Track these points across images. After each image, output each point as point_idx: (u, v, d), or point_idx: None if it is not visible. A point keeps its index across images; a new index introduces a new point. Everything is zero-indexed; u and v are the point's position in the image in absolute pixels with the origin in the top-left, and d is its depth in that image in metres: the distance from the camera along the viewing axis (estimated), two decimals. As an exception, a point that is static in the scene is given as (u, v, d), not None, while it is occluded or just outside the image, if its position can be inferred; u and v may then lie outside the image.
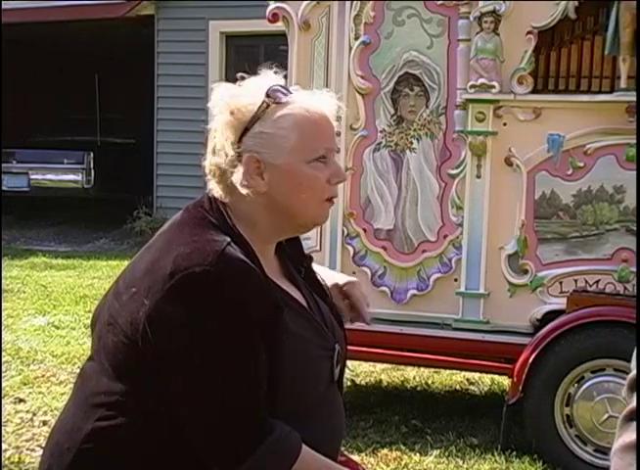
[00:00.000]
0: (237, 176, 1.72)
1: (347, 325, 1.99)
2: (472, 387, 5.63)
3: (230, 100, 1.73)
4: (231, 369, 1.61)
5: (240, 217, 1.75)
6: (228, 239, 1.67)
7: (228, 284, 1.61)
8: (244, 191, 1.72)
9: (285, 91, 1.74)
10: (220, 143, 1.73)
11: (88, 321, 6.98)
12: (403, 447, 4.42)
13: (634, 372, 1.12)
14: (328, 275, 2.09)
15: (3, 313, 6.87)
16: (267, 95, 1.71)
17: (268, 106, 1.71)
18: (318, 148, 1.73)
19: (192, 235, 1.69)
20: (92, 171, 12.85)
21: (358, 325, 2.03)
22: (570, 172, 4.37)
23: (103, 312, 1.79)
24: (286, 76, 1.81)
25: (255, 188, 1.72)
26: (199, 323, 1.59)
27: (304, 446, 1.66)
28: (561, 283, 4.42)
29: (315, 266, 2.06)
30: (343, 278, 2.10)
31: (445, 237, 4.57)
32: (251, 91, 1.73)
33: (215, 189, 1.76)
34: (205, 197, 1.79)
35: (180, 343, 1.60)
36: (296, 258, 1.94)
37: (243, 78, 1.78)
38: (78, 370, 1.89)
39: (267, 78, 1.76)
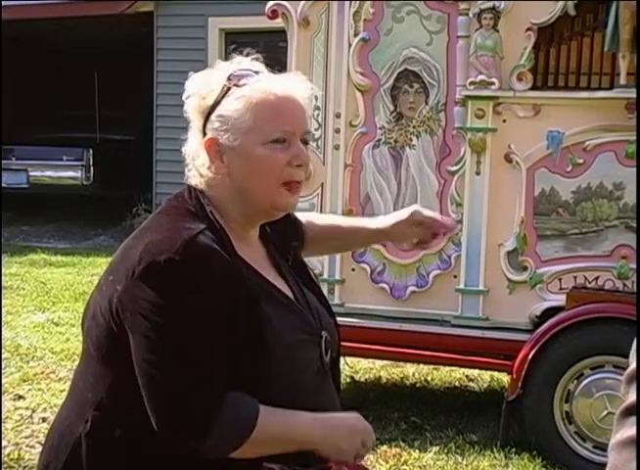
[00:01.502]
0: (200, 160, 1.76)
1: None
2: (471, 383, 5.64)
3: (196, 85, 1.77)
4: (182, 346, 1.62)
5: (214, 204, 1.77)
6: (202, 226, 1.69)
7: (190, 268, 1.62)
8: (208, 174, 1.75)
9: (247, 74, 1.75)
10: (192, 129, 1.79)
11: (87, 318, 7.02)
12: (402, 444, 4.42)
13: (632, 367, 1.12)
14: (383, 219, 2.18)
15: (2, 310, 6.87)
16: (228, 78, 1.74)
17: (229, 89, 1.74)
18: (275, 130, 1.72)
19: (167, 223, 1.73)
20: (91, 168, 12.84)
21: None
22: (569, 169, 4.37)
23: (89, 308, 1.81)
24: (269, 65, 1.83)
25: (217, 172, 1.75)
26: (160, 307, 1.61)
27: (262, 406, 1.66)
28: (560, 280, 4.43)
29: (337, 218, 2.17)
30: (403, 212, 2.18)
31: (445, 234, 4.57)
32: (216, 76, 1.77)
33: (191, 176, 1.80)
34: (186, 187, 1.82)
35: (142, 324, 1.63)
36: (283, 247, 1.95)
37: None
38: (77, 367, 1.90)
39: (239, 64, 1.78)
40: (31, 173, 12.84)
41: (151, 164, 12.26)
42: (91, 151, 12.82)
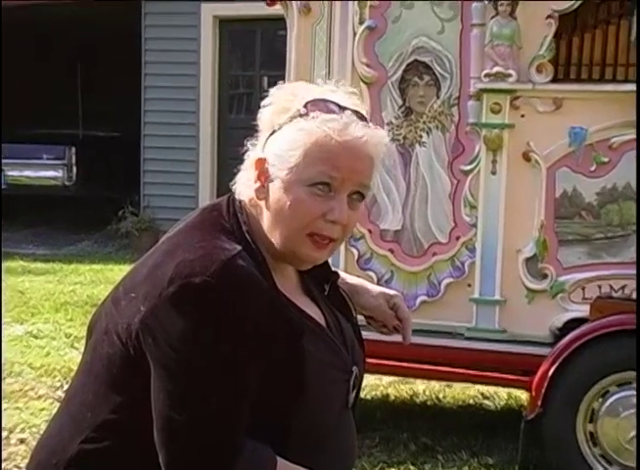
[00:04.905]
0: (247, 174, 1.76)
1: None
2: (486, 401, 5.64)
3: (279, 97, 1.76)
4: (210, 388, 1.60)
5: (252, 224, 1.75)
6: (239, 248, 1.67)
7: (229, 298, 1.60)
8: (248, 191, 1.74)
9: (326, 107, 1.72)
10: (259, 138, 1.77)
11: (70, 330, 7.01)
12: (412, 468, 4.43)
13: None
14: (371, 286, 2.17)
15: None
16: (305, 105, 1.72)
17: (300, 115, 1.71)
18: (321, 174, 1.69)
19: (200, 241, 1.69)
20: (74, 167, 12.86)
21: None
22: (593, 168, 4.38)
23: (100, 320, 1.79)
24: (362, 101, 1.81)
25: (257, 194, 1.74)
26: (190, 337, 1.59)
27: (280, 459, 1.66)
28: (583, 289, 4.43)
29: (350, 277, 2.13)
30: (390, 290, 2.18)
31: (458, 239, 4.58)
32: (302, 96, 1.75)
33: (241, 183, 1.79)
34: (225, 198, 1.80)
35: (167, 354, 1.61)
36: (319, 276, 1.92)
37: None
38: (59, 383, 1.90)
39: (331, 93, 1.76)
40: (8, 173, 12.86)
41: (138, 163, 12.27)
42: (73, 149, 12.84)
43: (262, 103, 1.78)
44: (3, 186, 12.83)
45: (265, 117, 1.76)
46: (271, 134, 1.74)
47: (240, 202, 1.78)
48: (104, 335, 1.74)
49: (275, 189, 1.71)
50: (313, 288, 1.89)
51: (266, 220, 1.74)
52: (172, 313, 1.60)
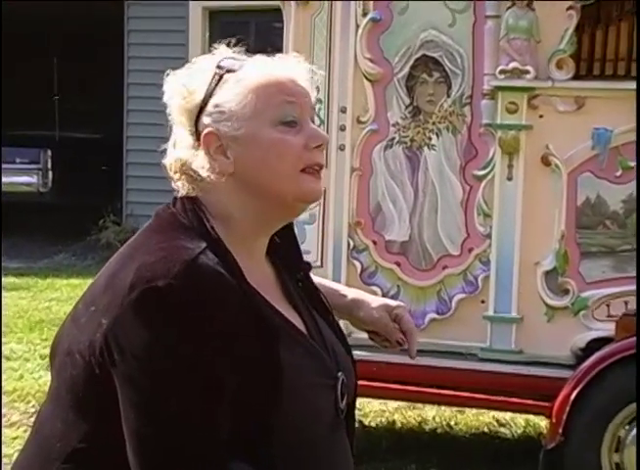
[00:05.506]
0: (198, 161, 1.76)
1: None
2: (502, 429, 5.64)
3: (178, 83, 1.79)
4: (187, 402, 1.60)
5: (214, 214, 1.76)
6: (203, 245, 1.68)
7: (194, 299, 1.61)
8: (210, 176, 1.75)
9: (239, 58, 1.80)
10: (179, 133, 1.79)
11: (45, 351, 7.00)
12: (421, 502, 4.42)
13: None
14: (371, 297, 2.19)
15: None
16: (218, 66, 1.77)
17: (221, 77, 1.77)
18: (281, 105, 1.76)
19: (159, 242, 1.70)
20: (49, 172, 12.92)
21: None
22: (618, 174, 4.38)
23: (62, 341, 1.79)
24: (247, 51, 1.86)
25: (221, 170, 1.75)
26: (155, 344, 1.60)
27: None
28: (608, 305, 4.43)
29: (348, 289, 2.17)
30: (392, 301, 2.21)
31: (470, 250, 4.58)
32: (202, 68, 1.79)
33: (181, 186, 1.79)
34: (179, 198, 1.81)
35: (132, 365, 1.61)
36: (291, 268, 1.94)
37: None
38: (33, 409, 1.90)
39: (221, 54, 1.82)
40: (-22, 179, 12.89)
41: (120, 168, 12.29)
42: (49, 152, 12.89)
43: (165, 99, 1.81)
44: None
45: (177, 106, 1.79)
46: (199, 112, 1.76)
47: (189, 196, 1.79)
48: (66, 357, 1.74)
49: (241, 150, 1.75)
50: (291, 286, 1.90)
51: (244, 190, 1.76)
52: (136, 322, 1.61)
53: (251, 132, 1.74)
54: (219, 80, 1.77)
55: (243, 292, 1.68)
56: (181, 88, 1.78)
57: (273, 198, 1.77)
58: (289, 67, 1.81)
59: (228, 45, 1.84)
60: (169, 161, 1.81)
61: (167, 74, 1.82)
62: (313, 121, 1.84)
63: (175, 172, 1.80)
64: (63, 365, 1.75)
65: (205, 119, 1.76)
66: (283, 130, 1.75)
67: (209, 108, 1.76)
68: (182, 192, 1.79)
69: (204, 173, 1.75)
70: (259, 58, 1.82)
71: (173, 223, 1.75)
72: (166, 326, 1.60)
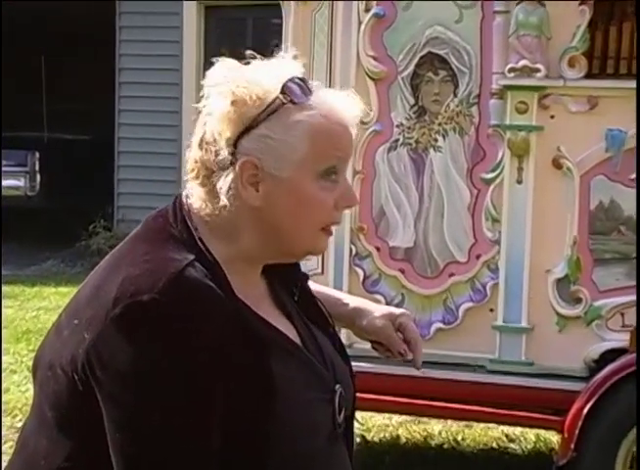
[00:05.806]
0: (225, 181, 1.72)
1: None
2: (512, 445, 5.64)
3: (236, 85, 1.72)
4: (171, 417, 1.61)
5: (216, 230, 1.76)
6: (191, 257, 1.68)
7: (180, 313, 1.62)
8: (230, 200, 1.72)
9: (305, 88, 1.74)
10: (212, 135, 1.73)
11: (32, 362, 7.00)
12: (426, 521, 4.43)
13: None
14: (374, 306, 2.22)
15: None
16: (283, 91, 1.72)
17: (282, 104, 1.72)
18: (330, 159, 1.75)
19: (145, 253, 1.70)
20: (37, 175, 12.88)
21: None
22: (633, 177, 4.39)
23: (44, 354, 1.80)
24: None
25: (246, 200, 1.73)
26: (142, 364, 1.61)
27: None
28: (622, 315, 4.44)
29: (350, 298, 2.18)
30: (396, 309, 2.23)
31: (478, 257, 4.59)
32: (264, 80, 1.73)
33: (195, 192, 1.77)
34: (171, 204, 1.80)
35: (118, 387, 1.62)
36: (287, 279, 1.94)
37: (253, 58, 1.78)
38: (20, 424, 1.92)
39: (285, 66, 1.77)
40: (-38, 182, 12.88)
41: (112, 171, 12.29)
42: (37, 154, 12.86)
43: (208, 93, 1.75)
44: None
45: (222, 107, 1.71)
46: (244, 131, 1.71)
47: (188, 205, 1.77)
48: (48, 371, 1.75)
49: (278, 193, 1.73)
50: (285, 298, 1.91)
51: (263, 226, 1.75)
52: (120, 337, 1.62)
53: (292, 179, 1.72)
54: (279, 107, 1.72)
55: (231, 304, 1.68)
56: (235, 90, 1.71)
57: (285, 244, 1.78)
58: (346, 110, 1.79)
59: (295, 56, 1.80)
60: (192, 160, 1.77)
61: (219, 60, 1.77)
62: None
63: (196, 176, 1.77)
64: (45, 380, 1.77)
65: (249, 144, 1.72)
66: (323, 186, 1.74)
67: (258, 133, 1.71)
68: (192, 198, 1.77)
69: (223, 195, 1.72)
70: (321, 94, 1.77)
71: (161, 232, 1.75)
72: (150, 341, 1.61)
